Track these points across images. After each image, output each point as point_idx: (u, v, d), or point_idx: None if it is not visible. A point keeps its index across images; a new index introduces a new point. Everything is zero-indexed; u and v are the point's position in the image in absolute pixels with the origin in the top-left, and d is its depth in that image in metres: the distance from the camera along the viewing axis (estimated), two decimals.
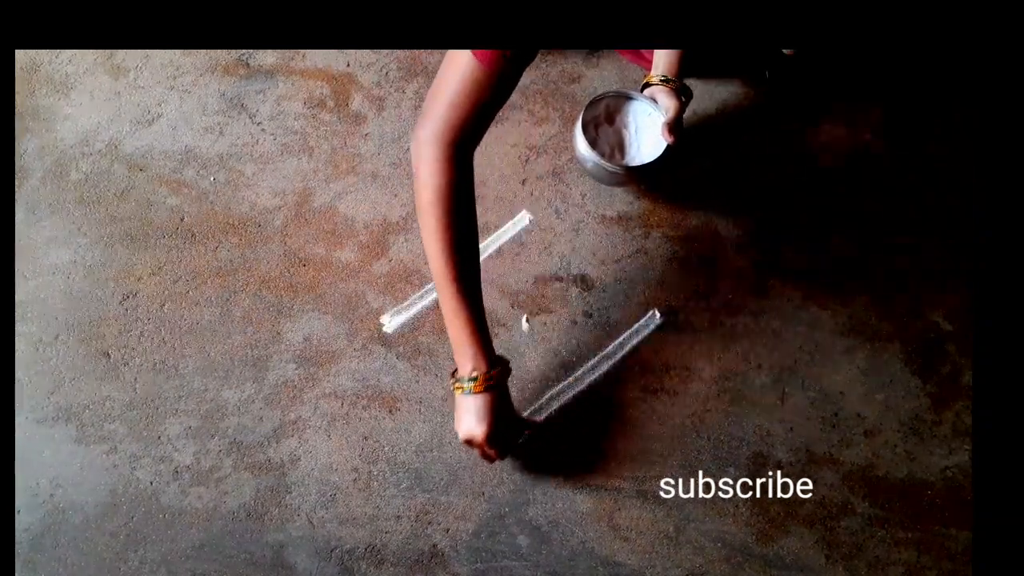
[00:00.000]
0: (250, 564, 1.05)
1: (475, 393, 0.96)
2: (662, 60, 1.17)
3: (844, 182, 1.27)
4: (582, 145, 1.16)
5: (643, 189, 1.25)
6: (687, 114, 1.18)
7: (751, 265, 1.21)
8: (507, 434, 1.02)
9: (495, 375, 0.97)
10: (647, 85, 1.17)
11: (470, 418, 0.98)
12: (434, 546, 1.06)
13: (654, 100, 1.16)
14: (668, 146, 1.14)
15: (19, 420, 1.12)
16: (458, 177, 0.92)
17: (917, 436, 1.12)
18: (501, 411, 0.99)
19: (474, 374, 0.96)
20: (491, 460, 1.04)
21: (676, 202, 1.26)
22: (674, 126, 1.13)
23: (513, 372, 1.14)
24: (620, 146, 1.18)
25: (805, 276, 1.21)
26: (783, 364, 1.15)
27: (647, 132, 1.17)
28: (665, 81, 1.15)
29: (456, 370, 0.98)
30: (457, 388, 0.98)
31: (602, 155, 1.16)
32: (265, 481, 1.09)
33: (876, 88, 1.34)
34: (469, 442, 0.99)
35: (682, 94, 1.16)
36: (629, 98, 1.19)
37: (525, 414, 1.13)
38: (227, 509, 1.08)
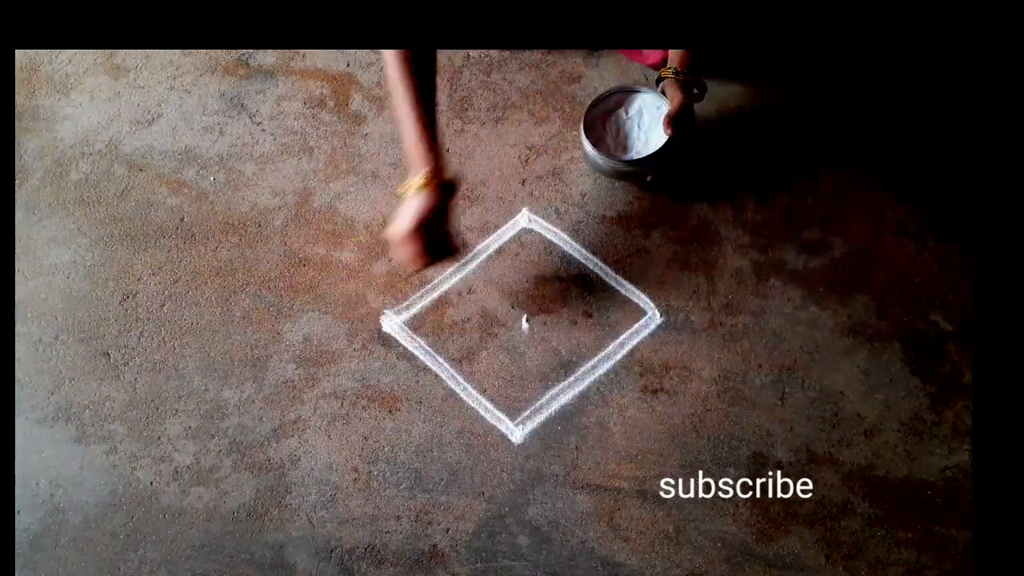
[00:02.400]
0: (250, 564, 1.05)
1: (422, 191, 1.01)
2: (675, 53, 1.18)
3: (844, 182, 1.27)
4: (584, 139, 1.17)
5: (643, 189, 1.25)
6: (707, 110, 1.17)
7: (751, 265, 1.21)
8: (434, 242, 1.05)
9: (437, 181, 1.01)
10: (660, 79, 1.18)
11: (405, 214, 1.02)
12: (434, 546, 1.06)
13: (664, 94, 1.17)
14: (669, 139, 1.14)
15: (19, 420, 1.12)
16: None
17: (917, 436, 1.12)
18: (442, 214, 1.04)
19: (426, 174, 1.00)
20: (418, 262, 1.05)
21: (676, 202, 1.26)
22: (675, 119, 1.13)
23: (513, 372, 1.15)
24: (627, 140, 1.20)
25: (805, 276, 1.21)
26: (783, 364, 1.15)
27: (656, 126, 1.18)
28: (675, 74, 1.16)
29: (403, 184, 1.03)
30: (401, 194, 1.03)
31: (608, 149, 1.17)
32: (265, 481, 1.09)
33: (877, 88, 1.34)
34: (411, 231, 1.02)
35: (693, 87, 1.16)
36: (638, 92, 1.21)
37: (522, 415, 1.13)
38: (227, 509, 1.08)
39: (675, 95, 1.15)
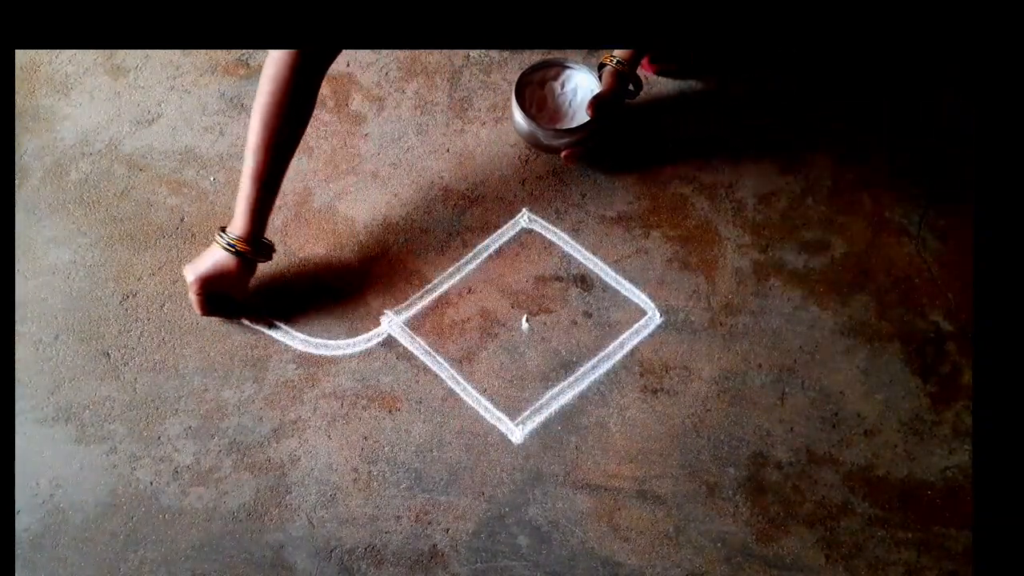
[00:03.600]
0: (250, 564, 1.05)
1: (222, 248, 1.05)
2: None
3: (844, 182, 1.27)
4: (514, 101, 1.21)
5: (644, 189, 1.25)
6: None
7: (751, 265, 1.21)
8: (220, 298, 1.11)
9: (246, 250, 1.06)
10: (603, 65, 1.21)
11: (201, 261, 1.07)
12: (434, 546, 1.06)
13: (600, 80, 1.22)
14: (588, 121, 1.18)
15: (19, 420, 1.12)
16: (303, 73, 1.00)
17: (917, 436, 1.12)
18: (234, 279, 1.08)
19: (232, 235, 1.05)
20: (198, 309, 1.11)
21: (676, 202, 1.26)
22: (599, 104, 1.17)
23: (513, 372, 1.15)
24: (555, 112, 1.24)
25: (805, 276, 1.21)
26: (783, 364, 1.15)
27: (584, 106, 1.21)
28: (617, 64, 1.19)
29: (226, 227, 1.07)
30: (215, 241, 1.07)
31: (533, 116, 1.20)
32: (265, 481, 1.09)
33: (877, 86, 1.34)
34: (193, 281, 1.08)
35: (628, 83, 1.20)
36: (577, 69, 1.25)
37: (522, 415, 1.13)
38: (227, 509, 1.08)
39: (608, 83, 1.19)
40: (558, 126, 1.23)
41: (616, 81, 1.19)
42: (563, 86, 1.26)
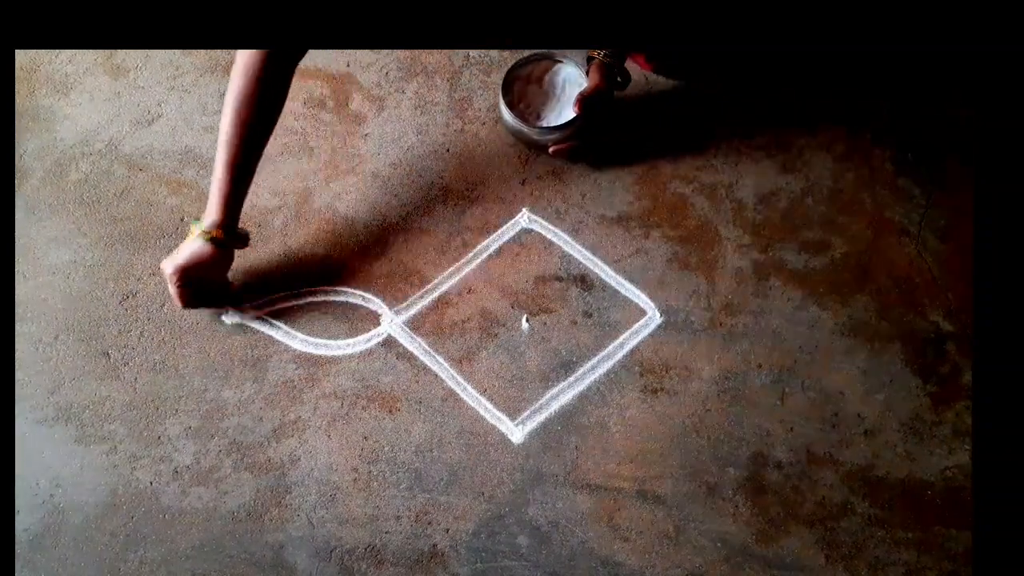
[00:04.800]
0: (250, 564, 1.05)
1: (196, 238, 1.06)
2: None
3: (844, 182, 1.27)
4: (501, 98, 1.21)
5: (644, 189, 1.25)
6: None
7: (751, 265, 1.21)
8: (204, 290, 1.11)
9: (221, 237, 1.06)
10: (591, 59, 1.21)
11: (178, 253, 1.07)
12: (434, 546, 1.06)
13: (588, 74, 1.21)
14: (575, 118, 1.18)
15: (19, 420, 1.12)
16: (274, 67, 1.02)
17: (917, 436, 1.12)
18: (210, 267, 1.08)
19: (206, 223, 1.05)
20: (179, 301, 1.10)
21: (676, 202, 1.26)
22: (586, 100, 1.17)
23: (513, 372, 1.15)
24: (542, 107, 1.24)
25: (805, 276, 1.21)
26: (783, 364, 1.15)
27: (572, 102, 1.21)
28: (604, 57, 1.19)
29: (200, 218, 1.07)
30: (190, 231, 1.07)
31: (520, 112, 1.20)
32: (265, 481, 1.09)
33: (877, 89, 1.34)
34: (171, 273, 1.07)
35: (617, 75, 1.20)
36: (565, 63, 1.25)
37: (522, 415, 1.13)
38: (227, 509, 1.08)
39: (595, 78, 1.19)
40: (545, 122, 1.23)
41: (603, 75, 1.19)
42: (552, 80, 1.26)
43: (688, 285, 1.20)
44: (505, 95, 1.22)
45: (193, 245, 1.07)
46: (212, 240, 1.06)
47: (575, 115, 1.19)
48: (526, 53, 1.27)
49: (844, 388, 1.14)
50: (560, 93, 1.25)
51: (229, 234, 1.08)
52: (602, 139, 1.25)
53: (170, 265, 1.07)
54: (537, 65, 1.26)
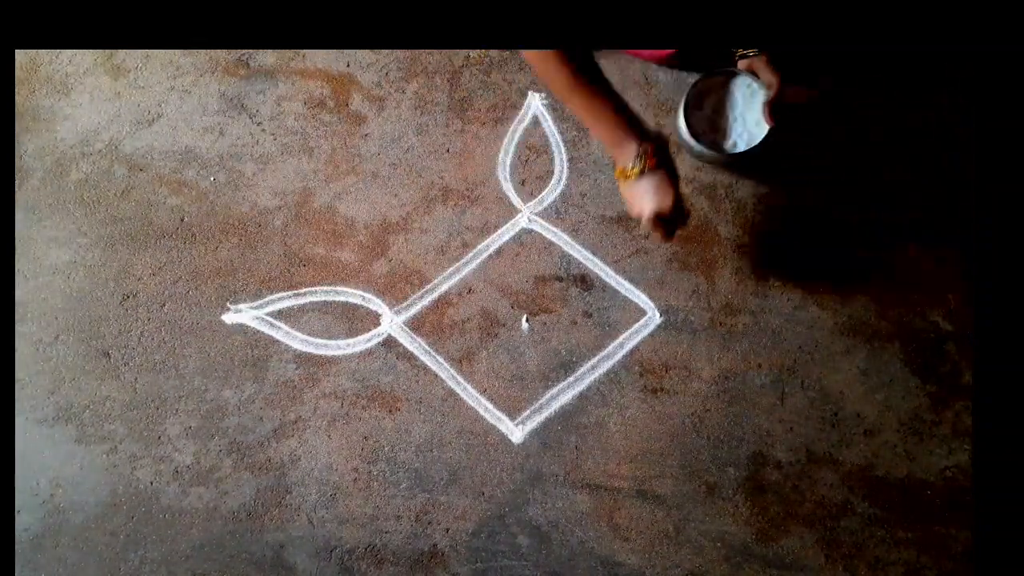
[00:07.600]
0: (250, 564, 1.05)
1: (649, 171, 0.96)
2: None
3: (844, 183, 1.27)
4: (683, 130, 1.17)
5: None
6: None
7: (751, 265, 1.21)
8: (670, 217, 1.01)
9: (653, 150, 0.96)
10: (742, 57, 1.15)
11: (636, 202, 0.99)
12: (434, 546, 1.06)
13: (753, 74, 1.15)
14: (770, 130, 1.13)
15: (19, 420, 1.12)
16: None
17: (917, 436, 1.12)
18: (667, 188, 0.98)
19: (640, 155, 0.95)
20: (666, 238, 1.03)
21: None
22: (775, 107, 1.11)
23: (513, 372, 1.15)
24: (723, 127, 1.19)
25: (805, 276, 1.21)
26: (783, 364, 1.15)
27: (751, 110, 1.17)
28: (760, 52, 1.12)
29: (618, 167, 0.98)
30: (626, 178, 0.98)
31: (700, 136, 1.16)
32: (265, 481, 1.09)
33: (877, 90, 1.34)
34: (653, 219, 0.99)
35: (775, 70, 1.13)
36: (730, 75, 1.18)
37: (522, 415, 1.13)
38: (227, 509, 1.08)
39: (771, 77, 1.11)
40: (738, 138, 1.18)
41: (774, 71, 1.12)
42: (724, 97, 1.20)
43: (688, 285, 1.20)
44: (688, 121, 1.17)
45: (654, 179, 0.98)
46: (662, 162, 0.98)
47: (768, 127, 1.14)
48: (692, 79, 1.20)
49: (844, 388, 1.14)
50: (737, 106, 1.19)
51: (655, 145, 0.98)
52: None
53: (646, 210, 0.99)
54: (709, 81, 1.19)
